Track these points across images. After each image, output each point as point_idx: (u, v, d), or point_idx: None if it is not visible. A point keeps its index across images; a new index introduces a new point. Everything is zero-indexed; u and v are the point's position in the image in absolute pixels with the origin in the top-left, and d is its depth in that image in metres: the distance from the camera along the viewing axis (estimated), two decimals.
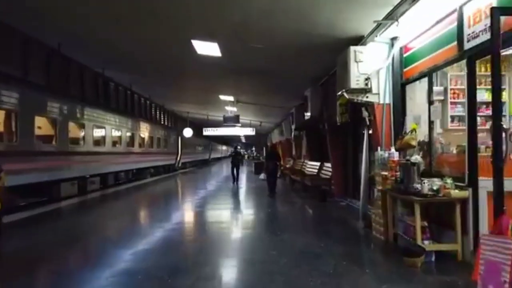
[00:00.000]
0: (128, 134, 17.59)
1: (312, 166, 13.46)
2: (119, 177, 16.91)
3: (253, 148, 77.05)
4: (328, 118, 10.09)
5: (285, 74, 10.39)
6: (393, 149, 5.82)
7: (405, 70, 6.35)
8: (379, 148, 6.24)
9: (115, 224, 7.99)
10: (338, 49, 6.80)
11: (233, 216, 8.59)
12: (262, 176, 15.95)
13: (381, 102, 6.40)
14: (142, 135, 19.52)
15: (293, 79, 10.68)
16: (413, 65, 6.15)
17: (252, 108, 19.21)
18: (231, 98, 16.18)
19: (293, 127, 14.50)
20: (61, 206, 10.52)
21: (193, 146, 35.77)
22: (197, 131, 28.39)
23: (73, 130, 12.62)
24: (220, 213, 8.87)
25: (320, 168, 12.24)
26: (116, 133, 16.22)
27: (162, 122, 24.69)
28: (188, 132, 25.60)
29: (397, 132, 6.29)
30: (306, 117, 10.52)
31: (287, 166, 19.08)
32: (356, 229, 6.60)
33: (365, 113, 6.61)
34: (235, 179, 15.62)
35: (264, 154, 35.94)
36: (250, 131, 25.02)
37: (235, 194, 12.62)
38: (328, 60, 8.31)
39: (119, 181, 17.05)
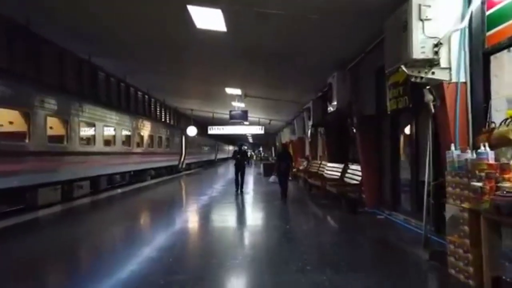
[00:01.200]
0: (124, 132, 15.81)
1: (332, 169, 11.53)
2: (114, 180, 15.14)
3: (261, 148, 75.10)
4: (359, 110, 8.18)
5: (305, 55, 8.51)
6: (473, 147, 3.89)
7: (488, 34, 4.42)
8: (452, 145, 4.32)
9: (91, 243, 6.19)
10: (384, 10, 4.92)
11: (240, 238, 6.52)
12: (272, 178, 14.01)
13: (454, 79, 4.48)
14: (140, 134, 17.74)
15: (314, 62, 8.80)
16: (500, 27, 4.24)
17: (262, 104, 17.34)
18: (238, 92, 14.33)
19: (309, 123, 12.59)
20: (38, 216, 8.77)
21: (198, 146, 34.01)
22: (202, 130, 26.60)
23: (54, 127, 10.86)
24: (223, 234, 6.93)
25: (344, 171, 10.31)
26: (109, 131, 14.45)
27: (163, 120, 22.86)
28: (192, 131, 23.81)
29: (478, 122, 4.37)
30: (330, 110, 8.63)
31: (300, 167, 17.19)
32: (418, 262, 4.62)
33: (428, 97, 4.69)
34: (240, 185, 12.46)
35: (273, 154, 33.95)
36: (258, 130, 23.13)
37: (242, 204, 10.68)
38: (364, 32, 6.41)
39: (113, 184, 15.30)
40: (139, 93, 18.21)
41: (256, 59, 9.46)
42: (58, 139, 10.90)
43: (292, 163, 12.85)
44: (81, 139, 12.13)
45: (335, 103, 8.17)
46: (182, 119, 26.93)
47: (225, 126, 23.30)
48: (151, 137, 19.54)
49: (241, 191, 12.34)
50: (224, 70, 11.01)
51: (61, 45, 11.31)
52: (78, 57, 12.36)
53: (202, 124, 28.25)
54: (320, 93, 11.55)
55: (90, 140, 12.72)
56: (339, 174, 10.56)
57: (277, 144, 39.18)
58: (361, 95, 8.18)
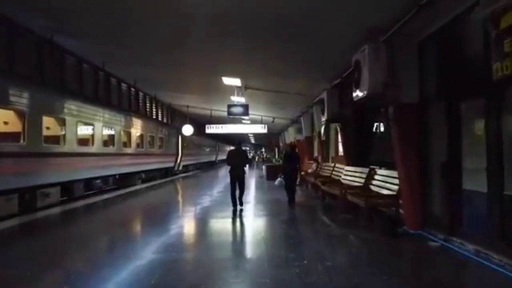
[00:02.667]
0: (106, 130, 13.76)
1: (352, 174, 9.40)
2: (93, 186, 13.09)
3: (263, 150, 72.96)
4: (396, 96, 6.06)
5: (320, 25, 6.42)
6: None
7: None
8: None
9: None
10: None
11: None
12: (278, 182, 12.00)
13: None
14: (127, 132, 15.68)
15: (334, 33, 6.70)
16: None
17: (264, 98, 15.22)
18: (237, 82, 12.21)
19: (322, 118, 10.45)
20: None
21: (196, 147, 31.97)
22: (200, 129, 24.55)
23: (10, 122, 8.84)
24: (208, 274, 4.85)
25: (370, 177, 8.17)
26: (84, 129, 12.41)
27: (155, 117, 20.68)
28: (188, 130, 21.74)
29: None
30: (357, 97, 6.49)
31: (309, 171, 15.06)
32: None
33: None
34: (239, 202, 9.02)
35: (277, 156, 31.47)
36: (261, 129, 21.00)
37: (241, 220, 8.44)
38: None
39: (93, 190, 13.25)
40: (124, 85, 15.98)
41: (259, 34, 7.37)
42: (12, 137, 8.85)
43: (299, 165, 11.27)
44: (47, 137, 10.06)
45: (364, 87, 6.03)
46: (178, 117, 24.83)
47: (224, 124, 21.21)
48: (141, 136, 17.50)
49: (240, 210, 8.75)
50: (219, 49, 8.91)
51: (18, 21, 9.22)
52: (38, 35, 10.11)
53: (200, 123, 26.18)
54: (337, 81, 9.43)
55: (59, 138, 10.65)
56: (362, 180, 8.42)
57: (281, 144, 36.91)
58: (399, 76, 6.06)
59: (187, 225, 7.59)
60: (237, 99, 14.31)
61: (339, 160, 12.03)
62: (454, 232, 5.24)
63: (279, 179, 12.11)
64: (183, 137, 25.28)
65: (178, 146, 24.57)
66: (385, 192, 7.20)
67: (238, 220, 8.01)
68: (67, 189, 11.35)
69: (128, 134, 15.80)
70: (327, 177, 11.84)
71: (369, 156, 9.66)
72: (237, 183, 9.10)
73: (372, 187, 7.93)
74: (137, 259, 4.96)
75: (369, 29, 6.07)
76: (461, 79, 5.24)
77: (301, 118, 17.69)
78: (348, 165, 9.99)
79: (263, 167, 24.78)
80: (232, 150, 9.84)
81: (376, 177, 7.92)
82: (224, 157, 46.88)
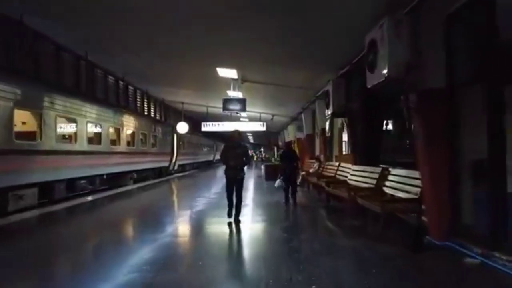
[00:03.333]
0: (92, 126, 12.74)
1: (360, 174, 8.39)
2: (77, 187, 12.07)
3: (262, 149, 71.97)
4: (420, 80, 5.06)
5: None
6: None
7: None
8: None
9: None
10: None
11: None
12: (278, 183, 11.03)
13: None
14: (116, 129, 14.66)
15: (343, 6, 5.70)
16: None
17: (263, 93, 14.24)
18: (233, 74, 11.20)
19: (327, 112, 9.43)
20: None
21: (193, 146, 30.97)
22: (196, 127, 23.52)
23: None
24: None
25: (382, 177, 7.16)
26: (66, 124, 11.39)
27: (148, 114, 19.57)
28: (182, 127, 20.73)
29: None
30: (372, 83, 5.48)
31: (310, 170, 14.06)
32: None
33: None
34: (236, 210, 7.13)
35: (275, 155, 30.44)
36: (259, 126, 19.94)
37: (237, 226, 7.43)
38: None
39: (77, 191, 12.23)
40: (111, 78, 14.86)
41: (254, 17, 6.37)
42: None
43: (298, 164, 10.74)
44: (20, 133, 9.04)
45: (382, 71, 5.01)
46: (172, 114, 23.81)
47: (221, 122, 20.19)
48: (132, 134, 16.47)
49: (237, 220, 6.98)
50: (214, 38, 7.92)
51: None
52: (6, 16, 8.97)
53: (196, 120, 25.17)
54: (345, 69, 8.44)
55: (35, 135, 9.61)
56: (373, 181, 7.40)
57: (280, 144, 35.91)
58: (423, 56, 5.06)
59: (174, 236, 6.55)
60: (233, 94, 13.30)
61: (344, 159, 11.02)
62: (496, 245, 4.23)
63: (278, 180, 11.05)
64: (179, 135, 24.27)
65: (174, 144, 23.55)
66: (402, 195, 6.19)
67: (234, 228, 6.94)
68: (47, 190, 10.34)
69: (118, 132, 14.77)
70: (331, 177, 10.82)
71: (379, 155, 8.66)
72: (235, 188, 7.08)
73: (386, 189, 6.91)
74: (104, 280, 3.95)
75: (387, 1, 5.08)
76: (506, 59, 4.23)
77: (302, 115, 16.69)
78: (355, 164, 8.98)
79: (262, 166, 23.81)
80: (228, 144, 7.36)
81: (391, 177, 6.89)
82: None
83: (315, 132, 14.86)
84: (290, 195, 9.61)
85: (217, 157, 47.22)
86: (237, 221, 6.96)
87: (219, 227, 6.84)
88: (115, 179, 14.99)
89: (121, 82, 15.21)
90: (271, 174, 16.26)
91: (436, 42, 5.06)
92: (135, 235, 6.92)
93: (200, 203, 10.22)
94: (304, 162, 17.90)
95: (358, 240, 5.50)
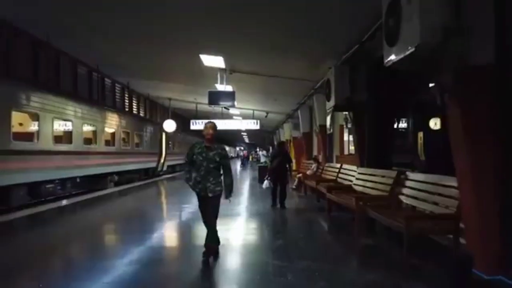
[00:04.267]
0: (59, 123, 11.26)
1: (367, 178, 7.00)
2: (42, 191, 10.58)
3: (258, 149, 70.64)
4: (464, 50, 3.67)
5: None
6: None
7: None
8: None
9: None
10: None
11: None
12: (266, 184, 9.76)
13: None
14: (91, 126, 13.17)
15: None
16: None
17: (255, 85, 12.80)
18: (220, 62, 9.77)
19: (329, 105, 8.01)
20: None
21: (185, 145, 29.50)
22: (185, 125, 22.07)
23: None
24: None
25: (397, 183, 5.77)
26: (25, 121, 9.91)
27: (128, 110, 17.95)
28: (170, 126, 19.26)
29: None
30: (392, 60, 4.08)
31: (308, 172, 12.69)
32: None
33: None
34: (210, 237, 4.59)
35: (268, 154, 28.98)
36: (253, 125, 18.57)
37: (220, 266, 5.93)
38: None
39: (43, 197, 10.75)
40: (82, 67, 13.25)
41: None
42: None
43: (290, 164, 9.87)
44: None
45: (409, 40, 3.62)
46: (160, 112, 22.31)
47: (212, 120, 18.77)
48: (111, 132, 15.00)
49: (214, 257, 4.62)
50: (196, 19, 6.50)
51: None
52: None
53: (186, 119, 23.72)
54: (350, 52, 7.02)
55: None
56: (386, 188, 6.00)
57: (276, 143, 34.60)
58: (465, 20, 3.66)
59: (143, 259, 5.10)
60: (223, 87, 11.84)
61: (347, 160, 9.65)
62: None
63: (266, 181, 9.79)
64: (168, 134, 22.81)
65: (162, 144, 22.10)
66: (427, 207, 4.81)
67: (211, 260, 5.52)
68: (2, 196, 8.88)
69: (93, 129, 13.29)
70: (331, 181, 9.45)
71: (390, 155, 7.28)
72: (206, 210, 4.59)
73: (403, 199, 5.53)
74: None
75: None
76: None
77: (298, 112, 15.32)
78: (361, 166, 7.58)
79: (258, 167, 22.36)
80: (197, 143, 4.58)
81: (409, 183, 5.51)
82: None
83: (313, 130, 13.47)
84: (278, 199, 8.86)
85: None
86: (215, 259, 4.59)
87: (197, 247, 5.39)
88: (92, 182, 13.53)
89: (94, 73, 13.56)
90: (263, 175, 14.87)
91: (480, 4, 3.68)
92: (96, 255, 5.47)
93: (185, 212, 8.80)
94: (300, 164, 16.52)
95: (377, 273, 4.05)
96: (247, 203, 10.27)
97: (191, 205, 9.99)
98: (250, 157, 53.61)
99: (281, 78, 10.71)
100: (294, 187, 12.91)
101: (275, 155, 9.37)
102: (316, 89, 10.35)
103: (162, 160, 22.38)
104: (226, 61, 9.67)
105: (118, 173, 15.72)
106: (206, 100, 17.95)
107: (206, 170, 4.44)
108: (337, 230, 6.52)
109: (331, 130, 9.36)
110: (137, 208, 10.19)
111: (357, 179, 7.56)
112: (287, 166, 9.34)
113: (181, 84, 14.71)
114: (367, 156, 7.43)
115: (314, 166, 12.70)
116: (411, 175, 5.61)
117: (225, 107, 11.01)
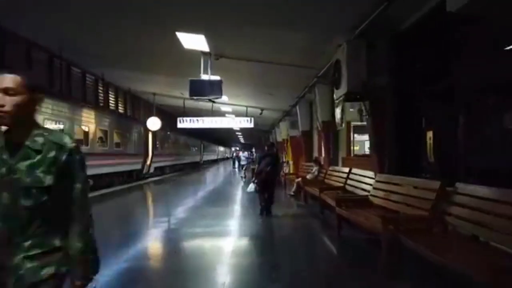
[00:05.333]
0: None
1: (391, 189, 5.27)
2: None
3: (253, 150, 68.91)
4: None
5: None
6: None
7: None
8: None
9: None
10: None
11: None
12: (251, 187, 8.61)
13: None
14: (55, 123, 11.34)
15: None
16: None
17: (247, 74, 11.06)
18: (202, 43, 7.99)
19: (340, 92, 6.19)
20: None
21: (175, 146, 27.76)
22: (172, 124, 20.28)
23: None
24: None
25: (441, 198, 4.04)
26: None
27: (104, 105, 15.94)
28: (154, 123, 17.45)
29: None
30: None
31: (308, 177, 10.99)
32: None
33: None
34: None
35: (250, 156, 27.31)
36: (246, 123, 16.80)
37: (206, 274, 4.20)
38: None
39: None
40: (42, 53, 11.03)
41: None
42: None
43: (279, 168, 9.44)
44: None
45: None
46: (145, 109, 20.47)
47: (201, 118, 17.00)
48: (83, 130, 13.19)
49: None
50: None
51: None
52: None
53: (172, 116, 21.93)
54: (365, 23, 5.28)
55: None
56: (425, 205, 4.26)
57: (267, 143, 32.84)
58: None
59: None
60: (207, 77, 10.04)
61: (358, 163, 7.92)
62: None
63: (251, 184, 8.63)
64: (157, 134, 21.04)
65: (148, 144, 20.30)
66: (499, 239, 3.09)
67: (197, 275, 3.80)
68: None
69: (58, 127, 11.46)
70: (338, 188, 7.73)
71: (419, 158, 5.55)
72: None
73: (451, 220, 3.82)
74: None
75: None
76: None
77: (297, 108, 13.58)
78: (381, 171, 5.85)
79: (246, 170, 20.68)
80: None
81: (461, 199, 3.80)
82: (211, 157, 41.62)
83: (316, 126, 11.73)
84: (264, 205, 7.92)
85: (205, 158, 43.98)
86: None
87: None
88: None
89: (57, 60, 11.57)
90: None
91: None
92: None
93: (160, 229, 7.08)
94: (297, 165, 14.77)
95: None
96: (229, 212, 8.59)
97: (171, 220, 8.27)
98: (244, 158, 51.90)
99: (277, 65, 8.95)
100: (292, 193, 11.18)
101: (264, 155, 8.51)
102: (319, 77, 8.62)
103: (148, 162, 20.59)
104: (209, 42, 7.90)
105: (93, 177, 13.93)
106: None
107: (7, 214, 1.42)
108: (354, 261, 4.77)
109: (342, 126, 7.62)
110: (115, 218, 8.42)
111: (375, 188, 5.82)
112: (276, 168, 8.42)
113: (162, 76, 12.92)
114: (388, 158, 5.70)
115: (315, 169, 10.97)
116: (465, 187, 3.88)
117: (210, 100, 9.18)
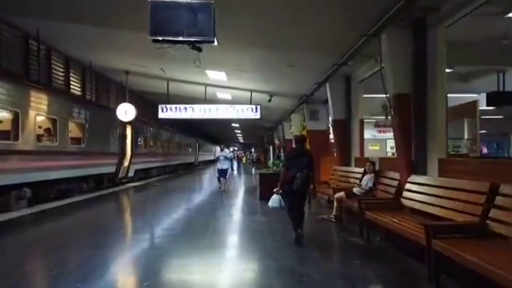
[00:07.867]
0: None
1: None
2: None
3: (253, 150, 64.60)
4: None
5: None
6: None
7: None
8: None
9: None
10: None
11: None
12: (275, 201, 5.66)
13: None
14: None
15: None
16: None
17: (258, 34, 6.85)
18: None
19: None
20: None
21: (164, 144, 23.56)
22: (153, 112, 16.07)
23: None
24: None
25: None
26: None
27: (48, 83, 11.07)
28: (126, 112, 13.19)
29: None
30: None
31: (355, 190, 6.84)
32: None
33: None
34: None
35: (272, 157, 22.24)
36: (250, 112, 12.53)
37: None
38: None
39: None
40: None
41: None
42: None
43: (313, 172, 5.47)
44: None
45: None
46: (118, 93, 16.02)
47: (190, 105, 12.81)
48: (12, 119, 8.96)
49: None
50: None
51: None
52: None
53: (152, 103, 17.76)
54: None
55: None
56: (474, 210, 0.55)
57: (276, 142, 28.22)
58: None
59: None
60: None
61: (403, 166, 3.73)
62: None
63: (275, 196, 5.73)
64: (138, 128, 16.88)
65: (126, 141, 16.02)
66: None
67: None
68: None
69: None
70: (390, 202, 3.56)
71: None
72: None
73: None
74: None
75: None
76: None
77: (326, 86, 9.39)
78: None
79: (256, 174, 16.31)
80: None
81: None
82: (207, 158, 36.41)
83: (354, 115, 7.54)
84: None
85: (200, 158, 39.56)
86: None
87: None
88: None
89: None
90: (269, 189, 8.55)
91: None
92: None
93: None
94: (327, 172, 10.46)
95: None
96: (239, 247, 4.48)
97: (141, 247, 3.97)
98: (244, 159, 47.77)
99: (301, 25, 4.75)
100: (332, 217, 6.95)
101: (293, 155, 5.68)
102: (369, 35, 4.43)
103: (126, 163, 16.29)
104: None
105: (35, 185, 9.72)
106: (182, 74, 12.03)
107: None
108: None
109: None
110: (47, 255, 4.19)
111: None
112: (309, 172, 5.34)
113: (131, 34, 8.50)
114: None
115: (367, 178, 6.79)
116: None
117: (192, 45, 4.70)
